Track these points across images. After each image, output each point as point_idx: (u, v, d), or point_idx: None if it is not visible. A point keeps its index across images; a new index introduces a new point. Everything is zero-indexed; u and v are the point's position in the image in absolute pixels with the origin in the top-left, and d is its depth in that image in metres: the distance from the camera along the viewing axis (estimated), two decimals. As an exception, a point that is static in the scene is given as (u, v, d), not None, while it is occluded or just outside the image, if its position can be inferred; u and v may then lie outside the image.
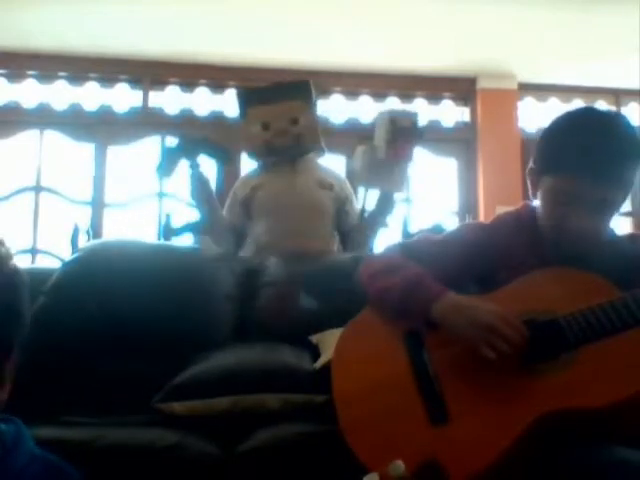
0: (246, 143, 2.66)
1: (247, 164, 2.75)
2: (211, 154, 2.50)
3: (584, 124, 1.36)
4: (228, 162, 2.69)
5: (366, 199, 2.49)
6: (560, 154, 1.34)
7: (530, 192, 1.46)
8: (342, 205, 2.56)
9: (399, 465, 0.68)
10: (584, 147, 1.30)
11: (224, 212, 2.57)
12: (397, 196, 2.53)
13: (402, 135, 2.30)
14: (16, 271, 0.79)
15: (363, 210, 2.51)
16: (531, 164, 1.44)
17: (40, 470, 0.91)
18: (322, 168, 2.67)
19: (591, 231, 1.34)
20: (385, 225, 2.54)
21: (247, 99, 2.64)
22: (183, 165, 2.45)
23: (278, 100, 2.55)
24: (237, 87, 4.69)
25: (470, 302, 1.34)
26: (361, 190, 2.53)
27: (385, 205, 2.47)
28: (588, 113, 1.45)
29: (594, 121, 1.37)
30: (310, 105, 2.58)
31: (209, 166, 2.66)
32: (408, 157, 2.35)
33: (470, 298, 1.37)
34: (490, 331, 1.26)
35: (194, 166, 2.42)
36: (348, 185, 2.67)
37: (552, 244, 1.40)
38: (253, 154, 2.65)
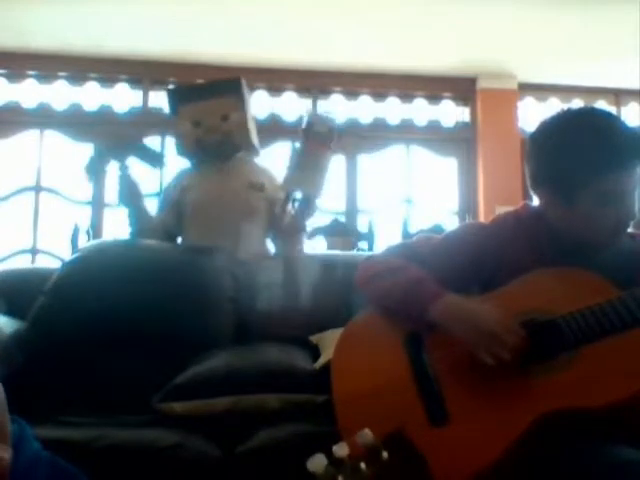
0: (177, 141, 2.61)
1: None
2: (142, 157, 2.47)
3: (596, 123, 1.35)
4: (160, 166, 2.64)
5: (289, 200, 2.41)
6: (592, 161, 1.31)
7: (560, 214, 1.39)
8: (274, 206, 2.48)
9: (367, 433, 0.68)
10: (611, 143, 1.30)
11: (156, 212, 2.53)
12: (317, 200, 2.41)
13: (315, 139, 2.29)
14: None
15: (283, 210, 2.44)
16: (554, 191, 1.38)
17: (48, 472, 0.91)
18: (255, 168, 2.60)
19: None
20: (304, 228, 2.47)
21: (178, 97, 2.60)
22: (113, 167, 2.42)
23: (209, 97, 2.51)
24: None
25: (470, 306, 1.34)
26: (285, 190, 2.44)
27: (303, 207, 2.40)
28: (588, 113, 1.44)
29: (598, 118, 1.37)
30: (241, 102, 2.53)
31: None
32: (319, 160, 2.31)
33: (470, 301, 1.36)
34: (491, 338, 1.26)
35: (123, 168, 2.40)
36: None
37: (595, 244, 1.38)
38: (184, 152, 2.59)
